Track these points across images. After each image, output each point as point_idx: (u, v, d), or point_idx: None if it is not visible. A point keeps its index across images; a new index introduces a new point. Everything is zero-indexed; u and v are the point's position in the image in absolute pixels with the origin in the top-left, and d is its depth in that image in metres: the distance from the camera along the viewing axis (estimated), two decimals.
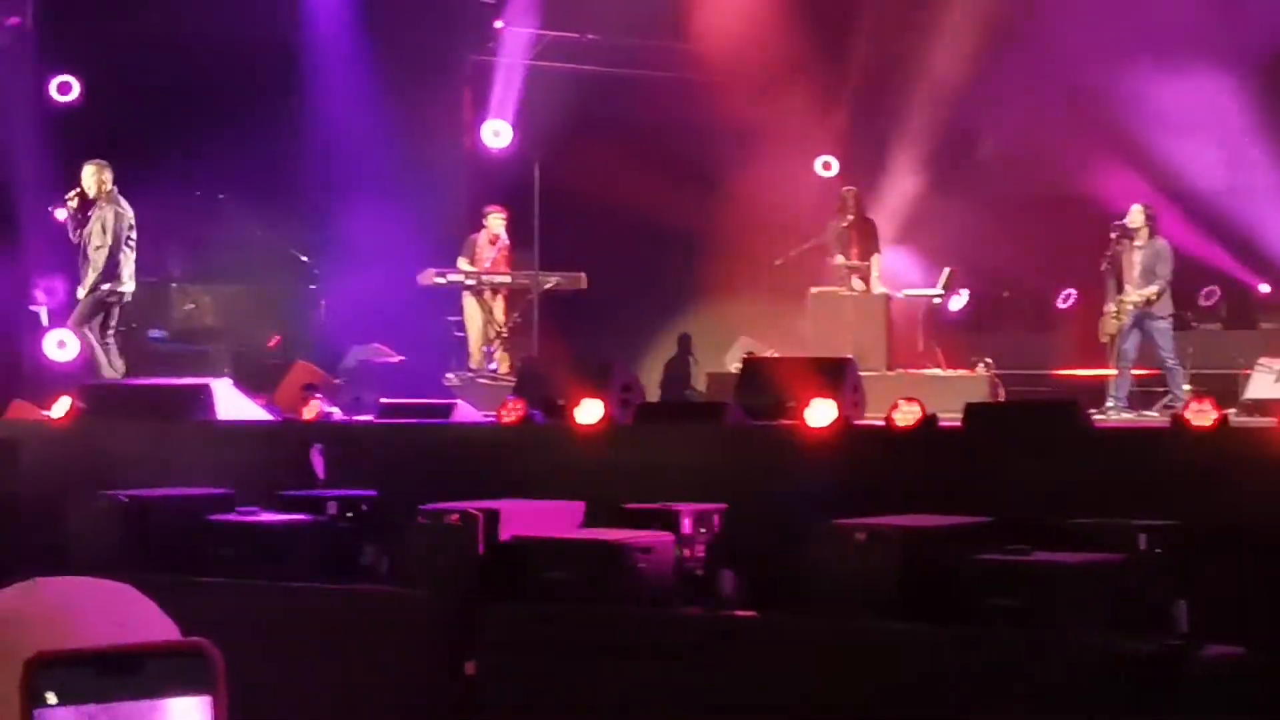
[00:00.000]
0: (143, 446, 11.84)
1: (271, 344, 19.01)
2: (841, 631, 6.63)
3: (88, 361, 15.41)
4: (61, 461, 12.18)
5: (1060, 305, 20.56)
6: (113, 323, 15.50)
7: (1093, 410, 12.21)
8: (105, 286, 15.29)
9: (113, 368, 15.37)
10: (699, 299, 20.17)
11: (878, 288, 18.35)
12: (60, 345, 16.85)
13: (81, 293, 15.41)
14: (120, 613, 1.94)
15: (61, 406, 12.56)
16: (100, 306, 15.40)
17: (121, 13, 18.61)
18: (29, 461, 12.27)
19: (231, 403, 12.11)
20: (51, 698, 1.48)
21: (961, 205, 20.41)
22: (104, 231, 15.26)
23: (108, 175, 15.40)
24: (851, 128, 21.30)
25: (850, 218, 18.49)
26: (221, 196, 19.04)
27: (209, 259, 19.05)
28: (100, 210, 15.32)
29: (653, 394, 16.86)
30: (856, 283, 18.35)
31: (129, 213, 15.40)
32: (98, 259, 15.23)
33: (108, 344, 15.43)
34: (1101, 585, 7.80)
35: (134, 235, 15.39)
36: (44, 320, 17.54)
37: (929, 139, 20.38)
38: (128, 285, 15.44)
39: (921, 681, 6.13)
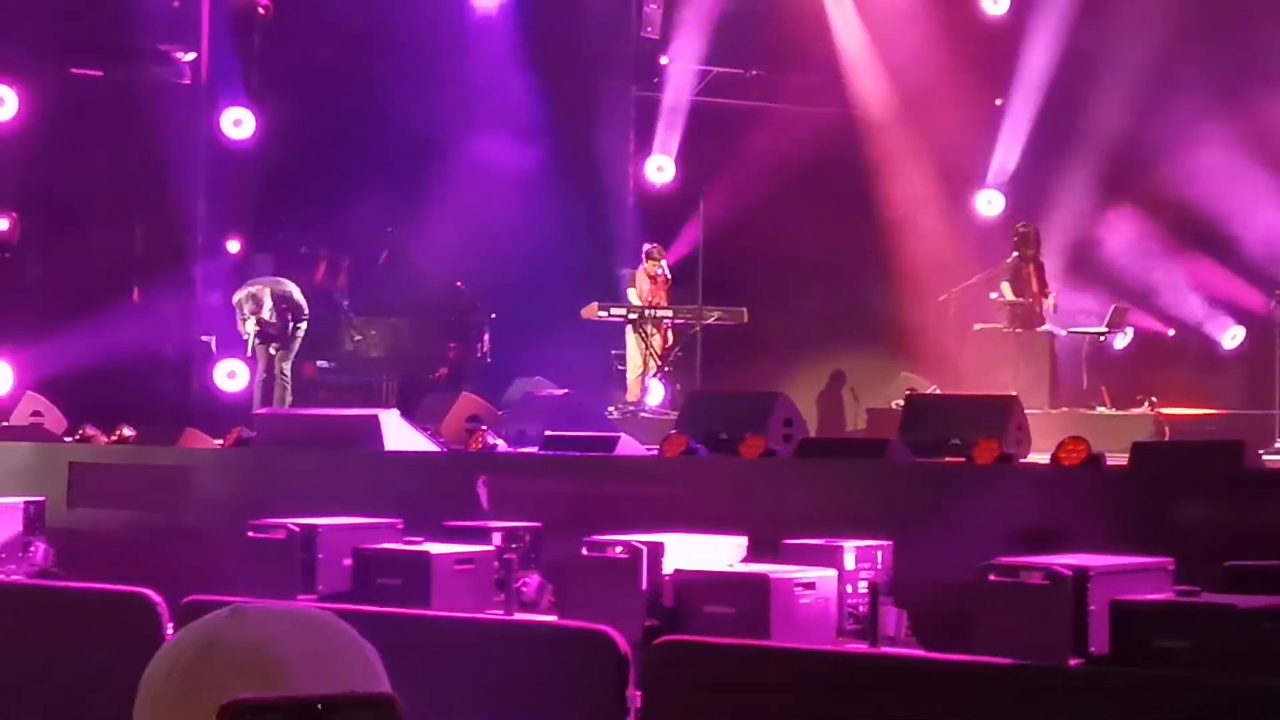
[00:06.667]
0: (311, 475, 11.99)
1: (437, 375, 19.18)
2: (1012, 673, 6.56)
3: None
4: (231, 489, 12.36)
5: (1227, 345, 20.25)
6: None
7: (1261, 450, 12.00)
8: None
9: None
10: (859, 334, 20.09)
11: (1051, 325, 18.24)
12: (230, 375, 17.14)
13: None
14: (317, 643, 1.97)
15: (232, 436, 12.77)
16: None
17: (294, 49, 18.92)
18: (199, 489, 12.46)
19: (398, 433, 12.19)
20: None
21: (1128, 242, 20.19)
22: None
23: None
24: (1017, 163, 21.14)
25: (1019, 253, 18.38)
26: (389, 230, 19.27)
27: (376, 292, 19.27)
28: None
29: (812, 429, 16.82)
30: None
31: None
32: None
33: None
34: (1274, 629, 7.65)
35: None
36: (214, 350, 17.82)
37: (1097, 175, 20.15)
38: None
39: None
